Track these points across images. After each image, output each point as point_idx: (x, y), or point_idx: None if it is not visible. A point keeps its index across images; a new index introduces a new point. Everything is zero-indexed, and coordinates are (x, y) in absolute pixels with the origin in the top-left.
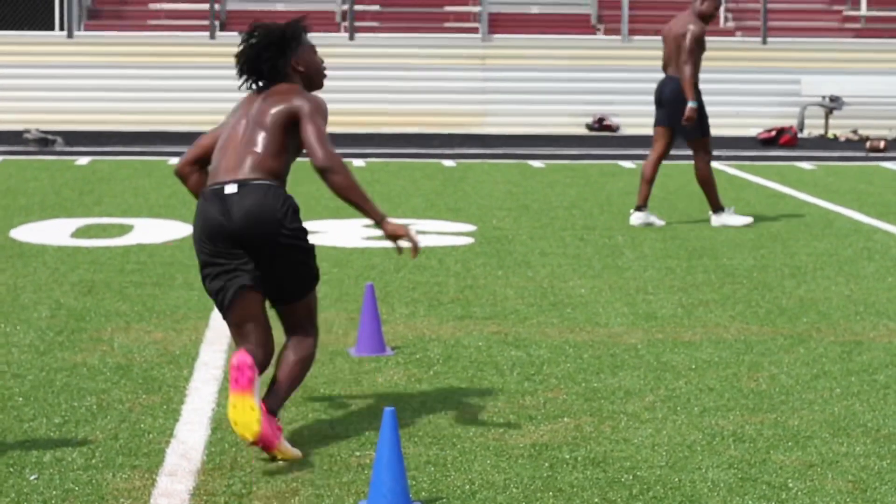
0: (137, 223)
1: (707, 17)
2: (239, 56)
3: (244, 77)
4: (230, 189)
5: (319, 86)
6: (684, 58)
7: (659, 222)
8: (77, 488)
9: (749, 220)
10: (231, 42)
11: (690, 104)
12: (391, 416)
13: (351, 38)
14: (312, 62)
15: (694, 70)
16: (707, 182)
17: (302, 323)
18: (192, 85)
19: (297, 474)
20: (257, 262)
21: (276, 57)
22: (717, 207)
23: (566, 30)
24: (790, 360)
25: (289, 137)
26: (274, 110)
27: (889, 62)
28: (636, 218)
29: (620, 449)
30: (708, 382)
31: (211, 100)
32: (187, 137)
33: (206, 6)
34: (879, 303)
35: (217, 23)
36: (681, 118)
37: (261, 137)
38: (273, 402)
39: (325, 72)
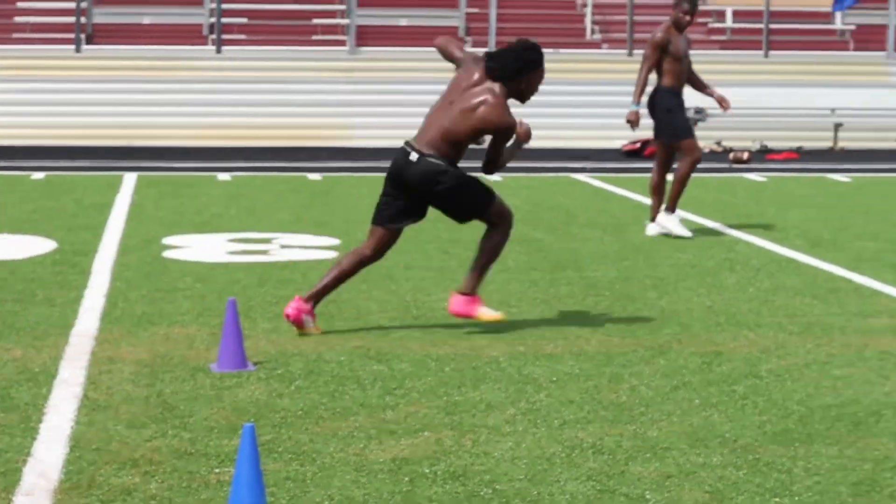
0: None
1: (680, 25)
2: (505, 54)
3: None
4: (413, 156)
5: (522, 101)
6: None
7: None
8: None
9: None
10: (98, 55)
11: (632, 107)
12: (250, 432)
13: (218, 51)
14: (532, 85)
15: (645, 75)
16: (654, 189)
17: (488, 225)
18: (58, 98)
19: (155, 492)
20: (416, 200)
21: (522, 70)
22: (657, 210)
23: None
24: (650, 371)
25: (469, 137)
26: (471, 110)
27: (753, 74)
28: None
29: (480, 462)
30: (569, 395)
31: (77, 114)
32: (52, 152)
33: (72, 19)
34: (740, 313)
35: (83, 36)
36: (658, 125)
37: (450, 124)
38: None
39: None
